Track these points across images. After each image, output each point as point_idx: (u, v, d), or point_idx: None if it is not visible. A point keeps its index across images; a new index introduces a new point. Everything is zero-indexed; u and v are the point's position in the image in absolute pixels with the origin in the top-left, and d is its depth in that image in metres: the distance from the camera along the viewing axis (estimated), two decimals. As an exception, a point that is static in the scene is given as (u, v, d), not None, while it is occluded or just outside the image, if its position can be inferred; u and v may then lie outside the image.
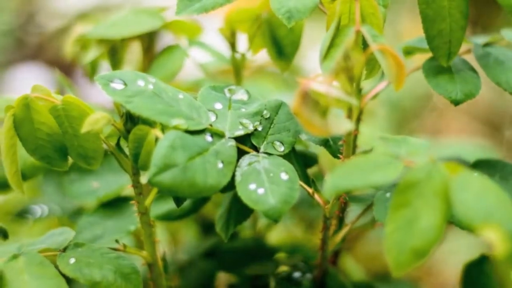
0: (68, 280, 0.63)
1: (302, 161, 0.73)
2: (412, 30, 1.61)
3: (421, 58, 0.76)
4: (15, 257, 0.64)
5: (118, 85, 0.63)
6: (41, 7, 1.85)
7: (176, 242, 0.97)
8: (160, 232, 0.96)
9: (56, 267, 0.64)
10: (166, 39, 0.94)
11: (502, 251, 0.50)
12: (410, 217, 0.54)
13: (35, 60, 1.80)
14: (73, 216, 0.89)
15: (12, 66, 1.80)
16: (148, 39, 0.93)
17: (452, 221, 0.65)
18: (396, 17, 1.63)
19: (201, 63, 0.93)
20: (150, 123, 0.63)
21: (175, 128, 0.61)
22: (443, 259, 1.34)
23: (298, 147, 0.80)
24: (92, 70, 0.92)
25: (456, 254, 1.31)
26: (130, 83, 0.64)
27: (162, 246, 0.76)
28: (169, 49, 0.87)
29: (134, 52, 0.91)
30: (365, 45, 0.63)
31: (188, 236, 0.98)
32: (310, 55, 1.39)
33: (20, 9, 1.85)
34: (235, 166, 0.63)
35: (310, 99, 0.55)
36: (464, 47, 0.74)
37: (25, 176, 0.79)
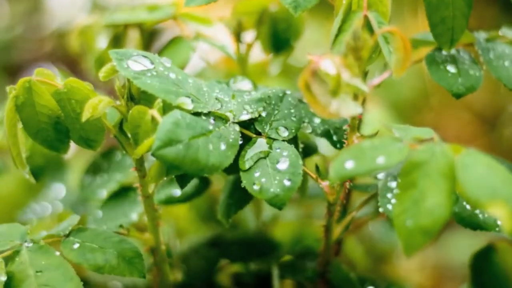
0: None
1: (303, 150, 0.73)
2: (413, 26, 1.61)
3: (419, 57, 0.76)
4: (19, 249, 0.63)
5: (131, 63, 0.64)
6: (41, 7, 1.86)
7: (180, 236, 0.96)
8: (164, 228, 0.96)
9: (60, 252, 0.63)
10: (167, 35, 0.94)
11: (509, 227, 0.50)
12: (416, 197, 0.54)
13: (35, 61, 1.80)
14: (77, 207, 0.88)
15: (12, 66, 1.79)
16: (150, 34, 0.93)
17: (453, 218, 0.66)
18: (398, 14, 1.63)
19: (211, 65, 0.94)
20: (151, 105, 0.63)
21: (179, 108, 0.61)
22: (444, 259, 1.34)
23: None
24: (96, 62, 0.92)
25: (458, 253, 1.30)
26: (142, 61, 0.64)
27: (166, 238, 0.76)
28: (175, 41, 0.87)
29: (133, 47, 0.91)
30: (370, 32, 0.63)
31: (192, 230, 0.97)
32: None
33: (20, 9, 1.85)
34: (238, 150, 0.63)
35: (318, 78, 0.55)
36: (467, 41, 0.74)
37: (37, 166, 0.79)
